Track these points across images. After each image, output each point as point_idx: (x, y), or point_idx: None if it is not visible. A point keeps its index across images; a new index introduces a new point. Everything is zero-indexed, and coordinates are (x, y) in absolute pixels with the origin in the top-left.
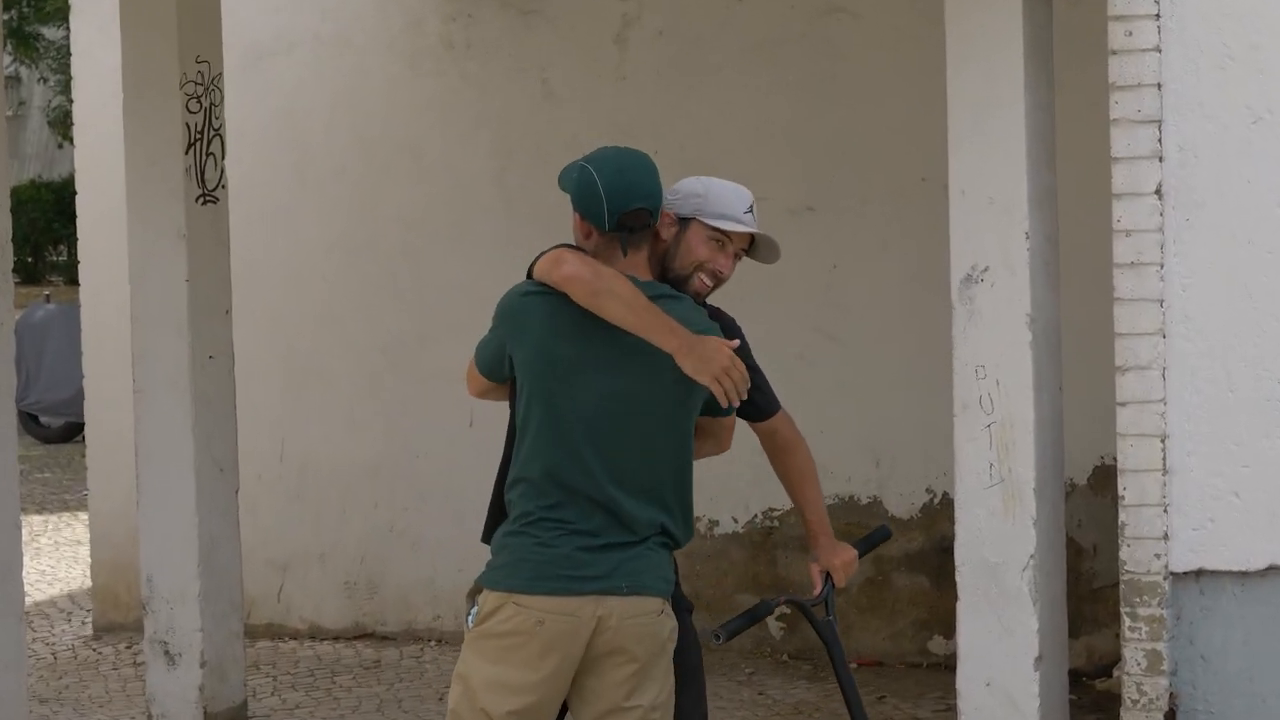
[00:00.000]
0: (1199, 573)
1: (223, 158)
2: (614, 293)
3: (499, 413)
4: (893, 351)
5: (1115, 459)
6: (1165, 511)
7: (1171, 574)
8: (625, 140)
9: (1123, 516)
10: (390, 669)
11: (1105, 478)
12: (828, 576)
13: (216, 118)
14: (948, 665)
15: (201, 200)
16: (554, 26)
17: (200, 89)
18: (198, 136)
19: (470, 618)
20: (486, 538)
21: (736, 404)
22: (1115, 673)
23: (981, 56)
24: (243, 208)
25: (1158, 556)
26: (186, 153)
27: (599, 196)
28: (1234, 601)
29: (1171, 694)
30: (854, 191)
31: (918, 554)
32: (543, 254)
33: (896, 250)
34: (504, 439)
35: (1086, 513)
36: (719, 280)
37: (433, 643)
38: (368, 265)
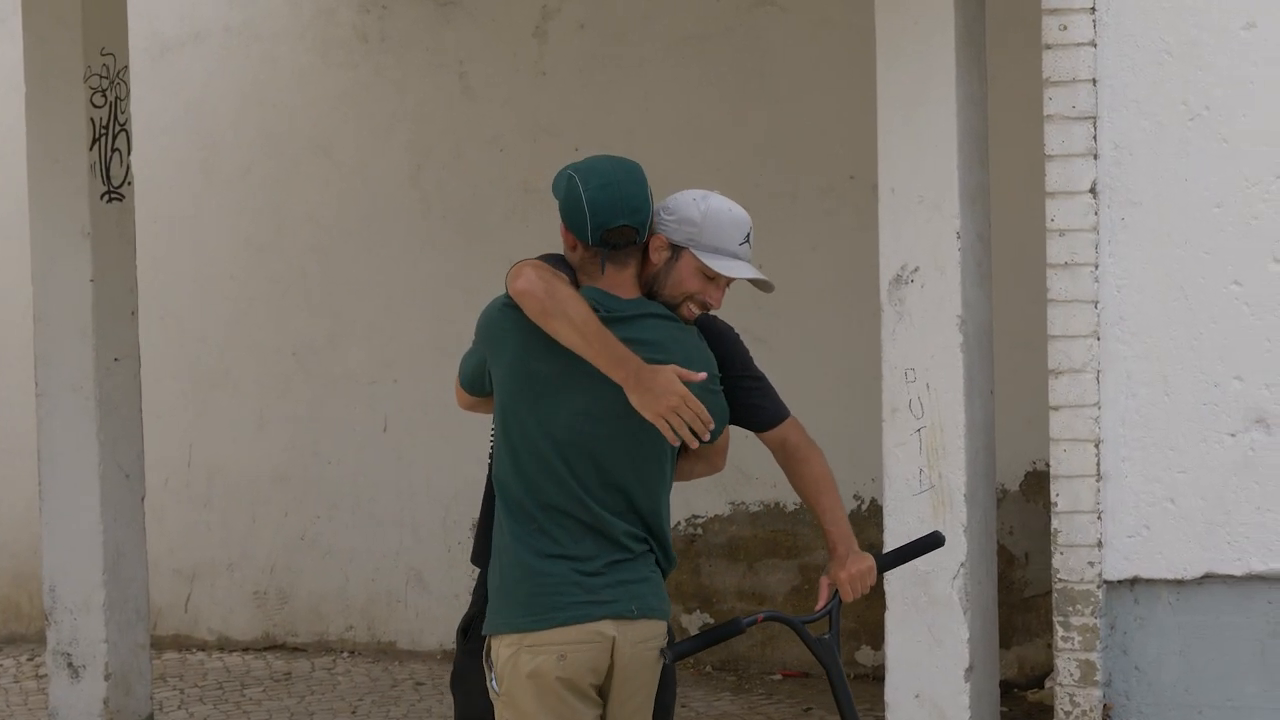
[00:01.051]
0: (1134, 581)
1: (129, 154)
2: (565, 314)
3: (413, 419)
4: (820, 354)
5: (1048, 464)
6: (1099, 518)
7: (1105, 582)
8: (546, 137)
9: (1055, 523)
10: (301, 681)
11: (1037, 484)
12: (836, 590)
13: (122, 112)
14: (876, 676)
15: (107, 198)
16: (472, 19)
17: (105, 82)
18: (103, 131)
19: (493, 681)
20: (477, 560)
21: (692, 444)
22: (1047, 684)
23: (912, 49)
24: (149, 206)
25: (1091, 564)
26: (91, 148)
27: (582, 210)
28: (1169, 611)
29: (1105, 705)
30: (782, 190)
31: None
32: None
33: (825, 250)
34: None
35: (1018, 520)
36: (707, 310)
37: (345, 654)
38: (277, 265)
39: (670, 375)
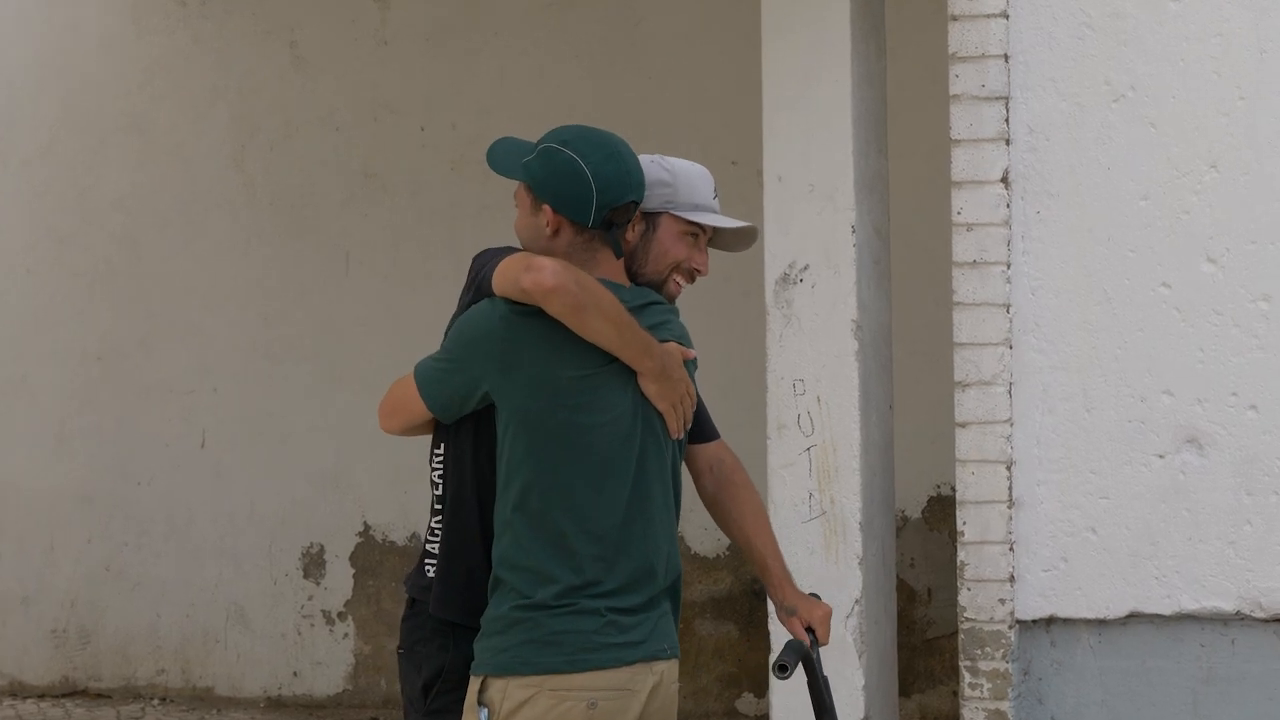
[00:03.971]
0: (1050, 621)
1: None
2: (599, 306)
3: (235, 433)
4: (697, 363)
5: (953, 488)
6: (1011, 550)
7: (1018, 622)
8: (388, 115)
9: (962, 555)
10: None
11: (942, 510)
12: (811, 632)
13: None
14: None
15: None
16: None
17: None
18: None
19: None
20: (447, 610)
21: (680, 436)
22: None
23: (802, 19)
24: None
25: (1002, 602)
26: None
27: (588, 187)
28: (1090, 654)
29: None
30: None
31: (725, 598)
32: (492, 259)
33: None
34: (430, 491)
35: (920, 551)
36: (693, 280)
37: (155, 700)
38: (81, 258)
39: (680, 360)
